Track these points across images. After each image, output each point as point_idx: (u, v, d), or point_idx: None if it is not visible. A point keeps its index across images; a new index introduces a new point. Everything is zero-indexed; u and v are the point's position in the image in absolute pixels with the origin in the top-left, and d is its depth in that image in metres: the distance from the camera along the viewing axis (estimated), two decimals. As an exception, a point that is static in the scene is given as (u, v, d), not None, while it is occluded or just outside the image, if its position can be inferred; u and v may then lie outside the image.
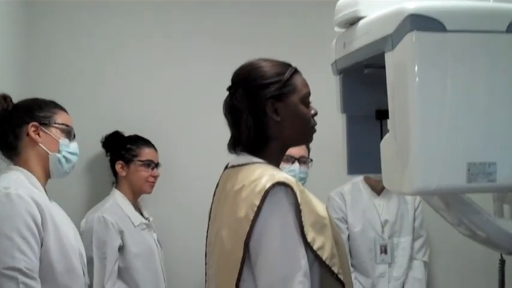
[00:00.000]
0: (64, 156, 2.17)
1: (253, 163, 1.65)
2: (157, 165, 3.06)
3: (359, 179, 3.50)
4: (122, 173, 2.99)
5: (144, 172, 3.00)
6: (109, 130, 3.13)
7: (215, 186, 1.82)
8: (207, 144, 3.35)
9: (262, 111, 1.65)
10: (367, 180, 3.47)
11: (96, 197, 3.10)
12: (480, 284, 3.47)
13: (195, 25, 3.47)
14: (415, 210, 3.44)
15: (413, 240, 3.41)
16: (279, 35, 3.51)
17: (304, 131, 1.72)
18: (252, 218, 1.51)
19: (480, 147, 1.53)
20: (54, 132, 2.17)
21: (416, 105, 1.51)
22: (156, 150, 3.09)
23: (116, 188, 3.01)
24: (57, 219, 2.08)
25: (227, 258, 1.58)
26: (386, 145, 1.65)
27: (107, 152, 3.11)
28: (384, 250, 3.34)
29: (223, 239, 1.59)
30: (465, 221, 1.89)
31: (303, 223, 1.52)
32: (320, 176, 3.19)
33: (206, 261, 1.77)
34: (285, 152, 1.77)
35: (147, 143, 3.09)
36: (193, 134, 3.42)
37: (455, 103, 1.51)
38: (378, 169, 2.05)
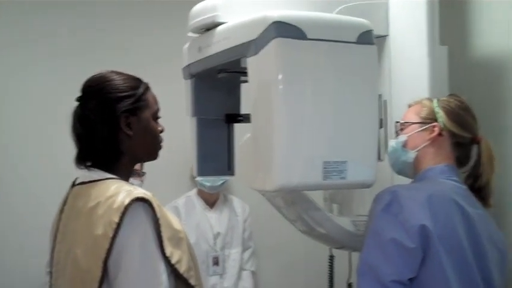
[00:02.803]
0: None
1: (106, 179, 1.62)
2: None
3: (192, 192, 3.61)
4: None
5: None
6: None
7: (62, 203, 1.73)
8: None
9: (116, 125, 1.63)
10: (200, 194, 3.59)
11: None
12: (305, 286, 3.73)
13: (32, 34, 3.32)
14: (245, 222, 3.64)
15: (243, 251, 3.59)
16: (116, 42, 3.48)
17: (154, 147, 1.74)
18: (111, 235, 1.48)
19: (334, 147, 1.67)
20: None
21: (279, 108, 1.60)
22: None
23: None
24: None
25: (83, 277, 1.52)
26: (247, 146, 1.72)
27: None
28: (216, 262, 3.48)
29: (78, 258, 1.54)
30: (306, 218, 2.04)
31: (162, 238, 1.54)
32: (153, 189, 3.19)
33: (52, 282, 1.69)
34: (133, 167, 1.76)
35: None
36: (24, 143, 3.27)
37: (314, 106, 1.63)
38: (225, 171, 2.14)
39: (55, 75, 3.40)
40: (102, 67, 1.73)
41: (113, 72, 1.70)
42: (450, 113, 1.82)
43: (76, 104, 1.67)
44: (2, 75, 3.27)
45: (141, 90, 1.67)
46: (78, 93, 1.67)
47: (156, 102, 1.72)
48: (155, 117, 1.71)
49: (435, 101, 1.86)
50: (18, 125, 3.31)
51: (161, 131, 1.73)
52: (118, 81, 1.66)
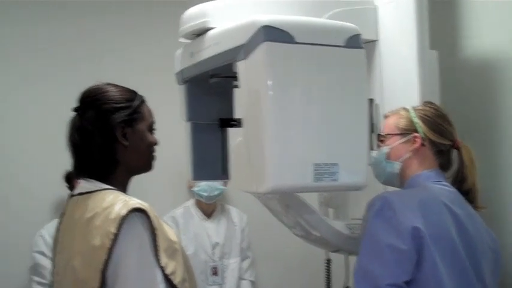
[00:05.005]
0: None
1: (102, 189, 1.63)
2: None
3: (190, 203, 3.63)
4: None
5: None
6: None
7: (61, 213, 1.74)
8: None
9: (112, 135, 1.65)
10: (198, 204, 3.60)
11: None
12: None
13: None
14: (243, 232, 3.65)
15: (241, 260, 3.60)
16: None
17: (148, 158, 1.75)
18: (108, 246, 1.49)
19: (325, 149, 1.68)
20: None
21: (269, 112, 1.62)
22: None
23: None
24: None
25: (81, 287, 1.54)
26: (239, 150, 1.74)
27: None
28: (215, 272, 3.49)
29: (76, 269, 1.55)
30: (301, 222, 2.05)
31: (158, 248, 1.55)
32: (152, 199, 3.21)
33: None
34: (130, 178, 1.77)
35: None
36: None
37: (303, 109, 1.65)
38: (220, 175, 2.15)
39: (52, 85, 3.45)
40: (96, 77, 1.75)
41: (108, 84, 1.72)
42: (428, 122, 1.84)
43: (72, 114, 1.69)
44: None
45: (136, 102, 1.70)
46: (71, 103, 1.70)
47: (151, 115, 1.75)
48: (150, 129, 1.73)
49: (412, 110, 1.88)
50: (18, 133, 3.33)
51: (155, 144, 1.75)
52: (114, 92, 1.69)
